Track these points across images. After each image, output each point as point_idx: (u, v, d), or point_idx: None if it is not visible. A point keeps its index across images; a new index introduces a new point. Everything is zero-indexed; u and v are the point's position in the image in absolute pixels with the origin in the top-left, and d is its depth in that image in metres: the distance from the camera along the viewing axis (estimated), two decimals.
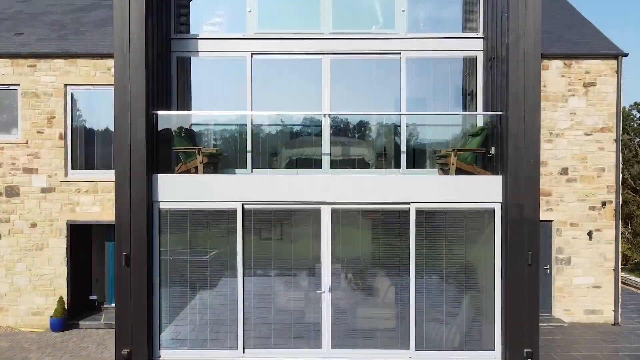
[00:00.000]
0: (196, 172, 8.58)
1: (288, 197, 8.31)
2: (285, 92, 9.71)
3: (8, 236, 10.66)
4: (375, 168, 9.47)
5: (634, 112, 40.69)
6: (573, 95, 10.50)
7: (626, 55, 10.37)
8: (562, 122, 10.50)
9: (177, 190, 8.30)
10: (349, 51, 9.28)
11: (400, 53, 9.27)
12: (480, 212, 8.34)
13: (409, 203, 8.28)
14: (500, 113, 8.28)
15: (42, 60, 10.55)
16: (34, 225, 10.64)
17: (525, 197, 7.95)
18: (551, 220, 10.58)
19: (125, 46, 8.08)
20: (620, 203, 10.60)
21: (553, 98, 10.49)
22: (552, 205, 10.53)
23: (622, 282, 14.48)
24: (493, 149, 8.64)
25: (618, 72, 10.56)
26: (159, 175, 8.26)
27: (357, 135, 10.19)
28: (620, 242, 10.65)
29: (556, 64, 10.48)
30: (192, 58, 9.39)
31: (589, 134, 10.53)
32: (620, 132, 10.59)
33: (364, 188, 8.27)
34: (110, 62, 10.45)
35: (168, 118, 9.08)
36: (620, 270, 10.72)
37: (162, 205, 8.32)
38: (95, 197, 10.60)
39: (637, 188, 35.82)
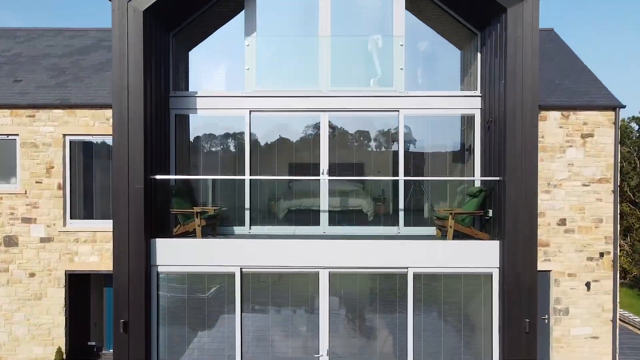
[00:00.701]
0: (194, 233, 8.60)
1: (286, 261, 8.33)
2: (283, 146, 9.72)
3: (7, 286, 10.67)
4: (373, 223, 9.49)
5: (633, 124, 40.75)
6: (571, 146, 10.51)
7: (624, 107, 10.39)
8: (560, 173, 10.52)
9: (175, 255, 8.31)
10: (347, 109, 9.30)
11: (398, 111, 9.29)
12: (478, 276, 8.35)
13: (406, 268, 8.30)
14: (498, 178, 8.29)
15: (41, 111, 10.56)
16: (32, 275, 10.65)
17: (522, 264, 7.97)
18: (549, 271, 10.59)
19: (124, 110, 8.11)
20: (618, 254, 10.60)
21: (551, 149, 10.51)
22: (550, 255, 10.55)
23: (620, 320, 14.49)
24: (491, 211, 8.66)
25: (616, 123, 10.57)
26: (157, 240, 8.28)
27: (354, 187, 10.21)
28: (618, 294, 10.66)
29: (554, 115, 10.50)
30: (190, 115, 9.40)
31: (587, 185, 10.55)
32: (618, 184, 10.60)
33: (362, 252, 8.29)
34: (108, 113, 10.46)
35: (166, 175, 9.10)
36: (618, 320, 10.73)
37: (161, 269, 8.33)
38: (94, 247, 10.61)
39: (636, 200, 35.85)
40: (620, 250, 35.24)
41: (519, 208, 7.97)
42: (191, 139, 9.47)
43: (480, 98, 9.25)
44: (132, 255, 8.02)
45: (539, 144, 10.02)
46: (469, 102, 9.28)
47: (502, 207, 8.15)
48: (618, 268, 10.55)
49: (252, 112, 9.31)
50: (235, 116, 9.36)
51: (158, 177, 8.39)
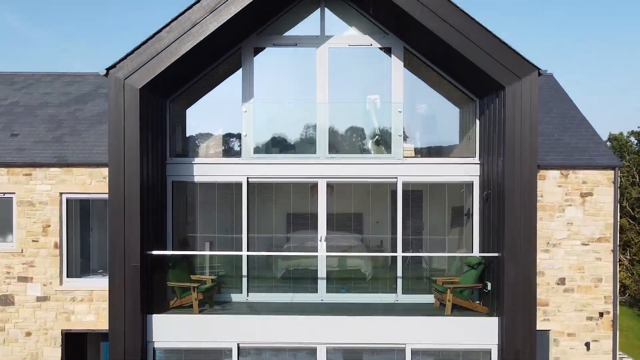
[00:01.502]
0: (191, 307, 8.54)
1: (283, 336, 8.28)
2: (281, 212, 9.69)
3: (3, 345, 10.61)
4: (372, 289, 9.45)
5: (632, 138, 40.70)
6: (570, 205, 10.47)
7: (622, 166, 10.33)
8: (559, 232, 10.47)
9: (171, 330, 8.26)
10: (345, 176, 9.26)
11: (396, 178, 9.23)
12: (477, 352, 8.30)
13: (404, 344, 8.25)
14: (496, 255, 8.24)
15: (38, 169, 10.50)
16: (28, 334, 10.59)
17: (521, 341, 7.93)
18: (548, 330, 10.53)
19: (120, 185, 8.09)
20: (618, 314, 10.56)
21: (550, 208, 10.46)
22: (549, 315, 10.49)
23: None
24: (489, 284, 8.61)
25: (615, 182, 10.52)
26: (153, 315, 8.23)
27: (353, 243, 10.17)
28: (617, 353, 10.60)
29: (553, 174, 10.45)
30: (187, 182, 9.35)
31: (586, 244, 10.49)
32: (618, 243, 10.55)
33: (360, 328, 8.24)
34: (105, 171, 10.37)
35: (163, 248, 9.05)
36: None
37: (157, 345, 8.28)
38: (91, 306, 10.55)
39: (636, 216, 35.81)
40: (619, 265, 35.20)
41: (517, 285, 7.93)
42: (188, 205, 9.42)
43: (479, 165, 9.20)
44: (128, 332, 7.98)
45: (537, 203, 9.98)
46: (467, 170, 9.23)
47: (501, 282, 8.10)
48: (618, 328, 10.50)
49: (249, 179, 9.26)
50: (232, 182, 9.31)
51: (155, 252, 8.34)
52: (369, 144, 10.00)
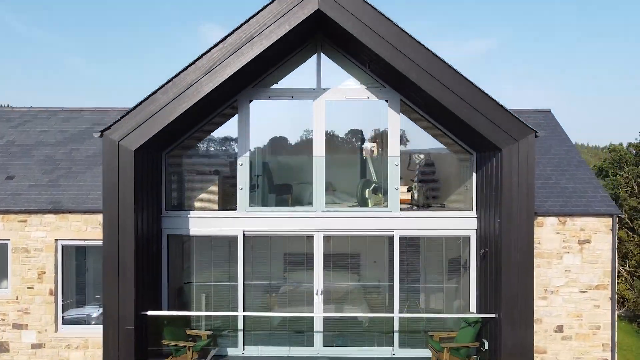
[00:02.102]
0: None
1: None
2: (277, 264, 9.63)
3: None
4: (368, 341, 9.38)
5: (631, 150, 40.77)
6: (568, 252, 10.42)
7: (620, 214, 10.30)
8: (556, 280, 10.42)
9: None
10: (342, 230, 9.21)
11: (393, 232, 9.19)
12: None
13: None
14: (493, 316, 8.20)
15: (33, 216, 10.45)
16: None
17: None
18: None
19: (114, 245, 8.04)
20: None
21: (548, 255, 10.41)
22: None
23: None
24: (486, 343, 8.56)
25: (613, 230, 10.48)
26: None
27: (350, 287, 10.12)
28: None
29: (551, 221, 10.40)
30: (183, 235, 9.30)
31: (584, 292, 10.44)
32: (616, 290, 10.51)
33: None
34: (100, 217, 10.33)
35: (158, 302, 9.00)
36: None
37: None
38: (86, 353, 10.49)
39: (634, 227, 35.80)
40: (618, 277, 35.15)
41: (515, 348, 7.88)
42: (184, 257, 9.37)
43: (476, 219, 9.15)
44: None
45: (535, 250, 9.95)
46: (464, 223, 9.19)
47: (498, 345, 8.05)
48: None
49: (245, 232, 9.21)
50: (228, 235, 9.26)
51: (149, 313, 8.28)
52: (367, 193, 9.95)
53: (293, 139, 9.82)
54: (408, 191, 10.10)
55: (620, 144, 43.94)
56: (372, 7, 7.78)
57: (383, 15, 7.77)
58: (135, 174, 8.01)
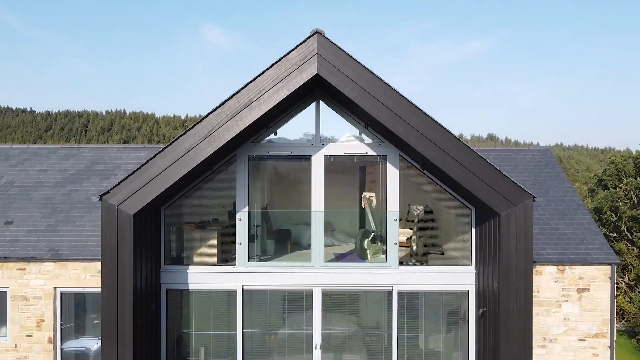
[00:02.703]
0: None
1: None
2: (276, 317, 9.63)
3: None
4: None
5: (629, 161, 40.77)
6: (567, 300, 10.44)
7: (619, 263, 10.32)
8: (555, 328, 10.43)
9: None
10: (340, 285, 9.22)
11: (392, 287, 9.19)
12: None
13: None
14: None
15: (32, 264, 10.46)
16: None
17: None
18: None
19: (113, 308, 8.03)
20: None
21: (546, 303, 10.43)
22: None
23: None
24: None
25: (611, 278, 10.50)
26: None
27: (349, 330, 10.12)
28: None
29: (549, 270, 10.42)
30: (182, 290, 9.30)
31: (583, 340, 10.46)
32: (614, 339, 10.52)
33: None
34: (99, 265, 10.35)
35: (157, 357, 9.00)
36: None
37: None
38: None
39: (634, 240, 35.78)
40: (617, 289, 35.15)
41: None
42: (183, 311, 9.37)
43: (474, 275, 9.16)
44: None
45: (534, 298, 9.96)
46: (463, 279, 9.19)
47: None
48: None
49: (244, 287, 9.22)
50: (227, 290, 9.26)
51: None
52: (365, 244, 9.96)
53: (292, 176, 9.80)
54: (407, 242, 10.11)
55: (620, 153, 43.96)
56: (371, 72, 7.79)
57: (382, 80, 7.78)
58: (134, 236, 8.02)
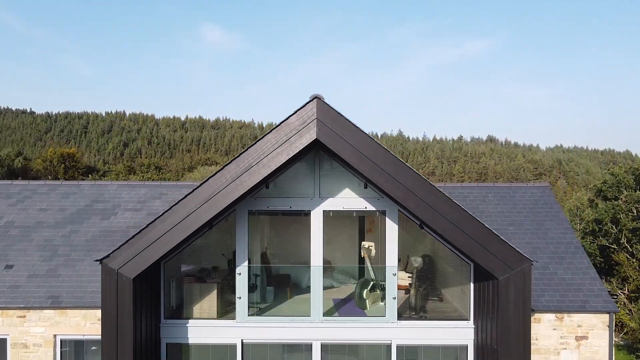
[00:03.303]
0: None
1: None
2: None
3: None
4: None
5: (630, 174, 40.81)
6: (565, 348, 10.48)
7: (617, 311, 10.37)
8: None
9: None
10: (339, 340, 9.26)
11: (390, 341, 9.23)
12: None
13: None
14: None
15: (32, 311, 10.49)
16: None
17: None
18: None
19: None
20: None
21: (545, 351, 10.47)
22: None
23: None
24: None
25: (610, 326, 10.54)
26: None
27: None
28: None
29: (548, 317, 10.46)
30: (182, 344, 9.34)
31: None
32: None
33: None
34: (99, 313, 10.38)
35: None
36: None
37: None
38: None
39: (634, 252, 35.82)
40: (616, 302, 35.17)
41: None
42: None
43: (473, 330, 9.20)
44: None
45: (532, 347, 10.00)
46: (462, 334, 9.23)
47: None
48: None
49: (244, 341, 9.25)
50: (227, 344, 9.30)
51: None
52: (364, 294, 10.01)
53: (291, 218, 9.82)
54: (406, 294, 10.16)
55: (620, 167, 43.98)
56: (370, 137, 7.83)
57: (380, 145, 7.82)
58: (134, 297, 8.06)
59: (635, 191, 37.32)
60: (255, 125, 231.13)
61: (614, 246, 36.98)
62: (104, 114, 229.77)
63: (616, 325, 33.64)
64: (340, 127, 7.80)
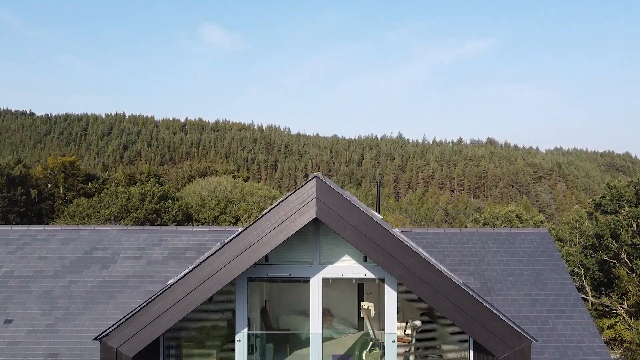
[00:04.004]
0: None
1: None
2: None
3: None
4: None
5: (631, 187, 40.82)
6: None
7: None
8: None
9: None
10: None
11: None
12: None
13: None
14: None
15: None
16: None
17: None
18: None
19: None
20: None
21: None
22: None
23: None
24: None
25: None
26: None
27: None
28: None
29: None
30: None
31: None
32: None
33: None
34: None
35: None
36: None
37: None
38: None
39: (633, 267, 35.86)
40: (617, 317, 35.20)
41: None
42: None
43: None
44: None
45: None
46: None
47: None
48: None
49: None
50: None
51: None
52: (364, 355, 10.02)
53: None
54: (406, 355, 10.16)
55: (620, 180, 43.99)
56: (369, 215, 7.84)
57: (379, 224, 7.83)
58: None
59: (637, 206, 37.36)
60: (255, 127, 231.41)
61: (614, 261, 37.00)
62: (103, 116, 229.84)
63: (615, 340, 33.67)
64: (339, 206, 7.81)
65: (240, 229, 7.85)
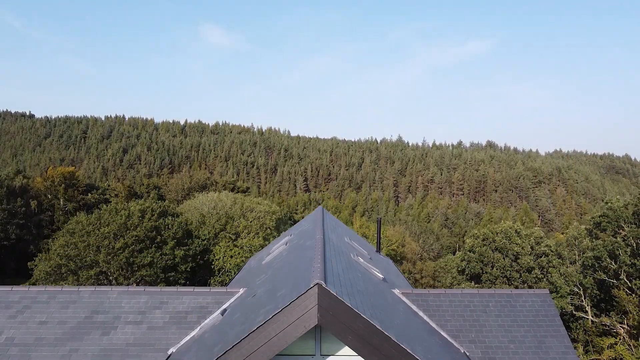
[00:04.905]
0: None
1: None
2: None
3: None
4: None
5: (632, 207, 40.86)
6: None
7: None
8: None
9: None
10: None
11: None
12: None
13: None
14: None
15: None
16: None
17: None
18: None
19: None
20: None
21: None
22: None
23: None
24: None
25: None
26: None
27: None
28: None
29: None
30: None
31: None
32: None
33: None
34: None
35: None
36: None
37: None
38: None
39: (633, 287, 35.93)
40: (617, 337, 35.23)
41: None
42: None
43: None
44: None
45: None
46: None
47: None
48: None
49: None
50: None
51: None
52: None
53: None
54: None
55: (618, 199, 43.96)
56: (371, 322, 7.81)
57: (382, 331, 7.80)
58: None
59: (637, 227, 37.40)
60: (255, 130, 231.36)
61: (613, 280, 37.03)
62: (103, 118, 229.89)
63: None
64: (342, 314, 7.79)
65: (240, 338, 7.81)
